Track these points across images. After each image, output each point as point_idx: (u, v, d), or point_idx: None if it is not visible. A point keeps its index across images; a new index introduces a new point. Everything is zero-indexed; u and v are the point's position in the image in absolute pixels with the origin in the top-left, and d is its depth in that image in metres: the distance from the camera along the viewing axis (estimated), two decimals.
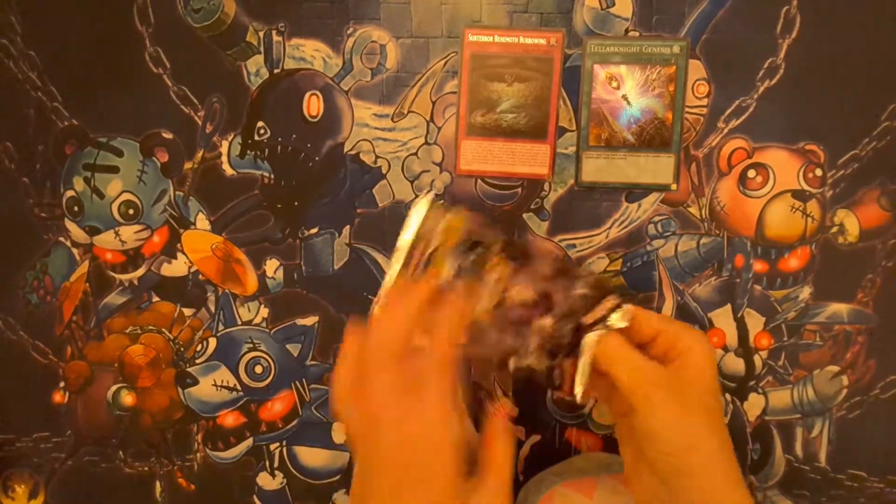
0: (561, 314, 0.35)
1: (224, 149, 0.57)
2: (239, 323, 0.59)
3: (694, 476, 0.33)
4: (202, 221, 0.58)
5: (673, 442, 0.33)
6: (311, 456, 0.60)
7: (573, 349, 0.35)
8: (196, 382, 0.59)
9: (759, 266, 0.55)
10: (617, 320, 0.35)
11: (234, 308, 0.58)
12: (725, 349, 0.56)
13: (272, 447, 0.60)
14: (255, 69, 0.56)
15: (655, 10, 0.53)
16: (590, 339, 0.35)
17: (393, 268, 0.36)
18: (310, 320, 0.58)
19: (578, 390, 0.35)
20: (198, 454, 0.60)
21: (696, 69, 0.53)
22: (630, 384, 0.33)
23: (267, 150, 0.57)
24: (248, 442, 0.60)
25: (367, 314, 0.60)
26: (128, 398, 0.60)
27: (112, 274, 0.59)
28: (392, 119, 0.56)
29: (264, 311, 0.58)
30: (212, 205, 0.58)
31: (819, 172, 0.54)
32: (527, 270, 0.36)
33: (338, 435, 0.59)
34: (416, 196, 0.56)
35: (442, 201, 0.38)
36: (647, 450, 0.34)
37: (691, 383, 0.34)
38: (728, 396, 0.56)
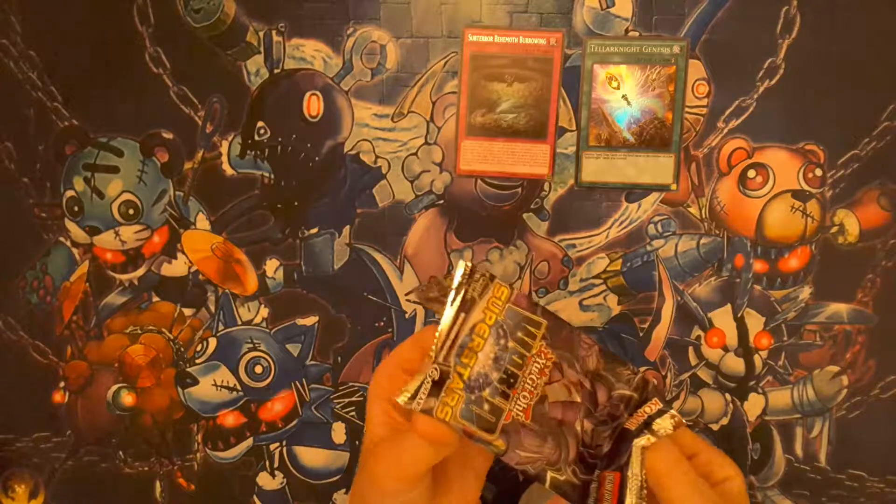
0: (600, 418, 0.31)
1: (224, 149, 0.57)
2: (239, 323, 0.59)
3: None
4: (202, 221, 0.58)
5: None
6: (311, 456, 0.60)
7: (612, 459, 0.30)
8: (196, 382, 0.59)
9: (759, 266, 0.55)
10: (664, 426, 0.30)
11: (234, 308, 0.58)
12: (725, 349, 0.56)
13: (272, 447, 0.60)
14: (255, 69, 0.56)
15: (655, 11, 0.53)
16: (639, 444, 0.30)
17: (432, 351, 0.30)
18: (310, 320, 0.58)
19: None
20: (198, 454, 0.60)
21: (696, 69, 0.53)
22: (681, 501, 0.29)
23: (267, 150, 0.57)
24: (248, 442, 0.60)
25: (369, 315, 0.61)
26: (128, 398, 0.60)
27: (112, 274, 0.59)
28: (392, 119, 0.56)
29: (264, 311, 0.58)
30: (212, 205, 0.58)
31: (819, 172, 0.54)
32: (570, 362, 0.31)
33: (338, 435, 0.59)
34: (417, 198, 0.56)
35: (479, 269, 0.32)
36: None
37: None
38: (728, 396, 0.56)
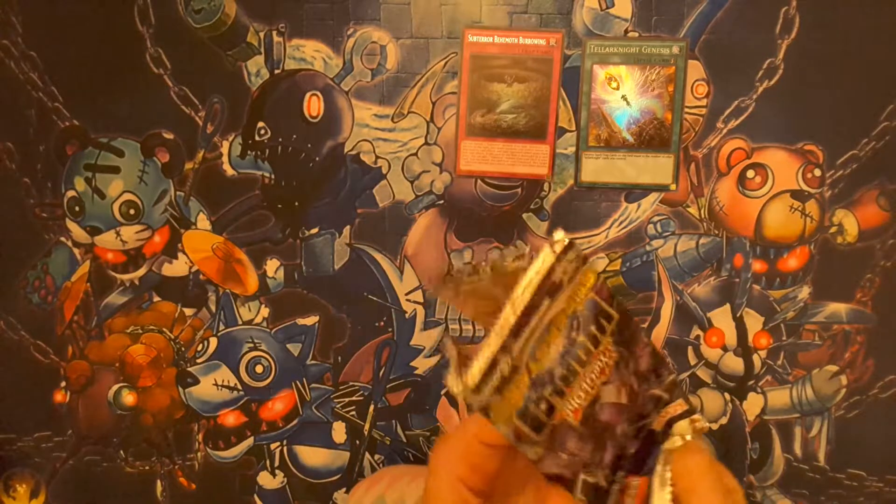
0: (633, 418, 0.28)
1: (225, 149, 0.57)
2: (239, 323, 0.59)
3: None
4: (203, 221, 0.58)
5: None
6: (312, 455, 0.60)
7: (638, 463, 0.28)
8: (197, 382, 0.60)
9: (758, 266, 0.55)
10: (688, 430, 0.27)
11: (235, 308, 0.59)
12: (725, 349, 0.56)
13: (273, 446, 0.60)
14: (255, 70, 0.56)
15: (655, 11, 0.53)
16: (667, 448, 0.27)
17: (500, 327, 0.26)
18: (310, 320, 0.58)
19: None
20: (199, 453, 0.60)
21: (696, 70, 0.53)
22: None
23: (267, 151, 0.57)
24: (249, 441, 0.60)
25: (369, 315, 0.61)
26: (129, 398, 0.60)
27: (113, 274, 0.59)
28: (392, 119, 0.56)
29: (265, 311, 0.59)
30: (212, 205, 0.58)
31: (818, 172, 0.54)
32: (627, 362, 0.28)
33: (338, 434, 0.59)
34: (413, 198, 0.56)
35: (575, 248, 0.28)
36: None
37: None
38: (727, 396, 0.56)
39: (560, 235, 0.26)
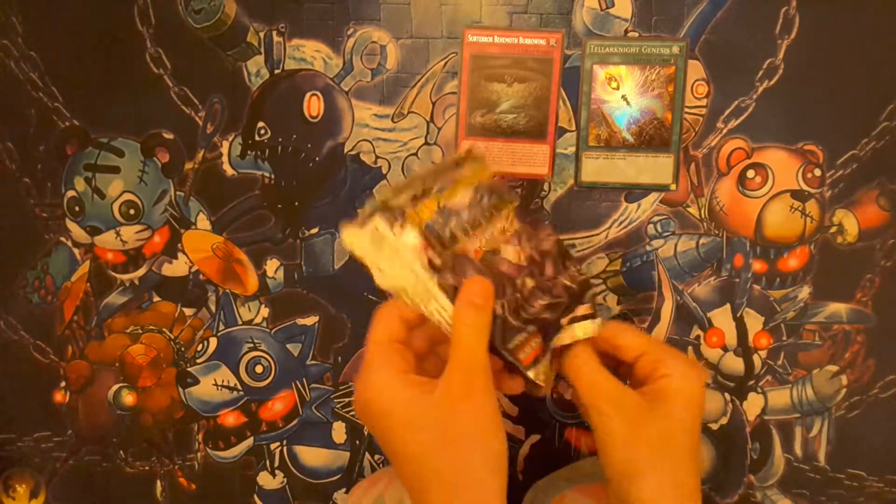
0: (541, 287, 0.36)
1: (225, 149, 0.57)
2: (239, 323, 0.59)
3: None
4: (203, 221, 0.58)
5: (616, 465, 0.31)
6: (312, 455, 0.60)
7: (545, 332, 0.36)
8: (197, 382, 0.60)
9: (758, 266, 0.55)
10: (581, 330, 0.36)
11: (235, 308, 0.59)
12: (725, 349, 0.56)
13: (273, 447, 0.60)
14: (255, 70, 0.56)
15: (655, 11, 0.53)
16: (555, 345, 0.36)
17: (421, 168, 0.39)
18: (310, 320, 0.58)
19: (533, 374, 0.35)
20: (198, 454, 0.60)
21: (696, 69, 0.53)
22: (586, 398, 0.33)
23: (267, 151, 0.57)
24: (249, 441, 0.60)
25: (369, 315, 0.61)
26: (129, 398, 0.60)
27: (113, 274, 0.59)
28: (392, 119, 0.56)
29: (265, 311, 0.59)
30: (212, 205, 0.58)
31: (818, 172, 0.54)
32: (529, 236, 0.38)
33: (338, 434, 0.59)
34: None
35: (475, 151, 0.41)
36: (604, 467, 0.32)
37: (655, 410, 0.32)
38: (727, 396, 0.56)
39: (465, 145, 0.44)
